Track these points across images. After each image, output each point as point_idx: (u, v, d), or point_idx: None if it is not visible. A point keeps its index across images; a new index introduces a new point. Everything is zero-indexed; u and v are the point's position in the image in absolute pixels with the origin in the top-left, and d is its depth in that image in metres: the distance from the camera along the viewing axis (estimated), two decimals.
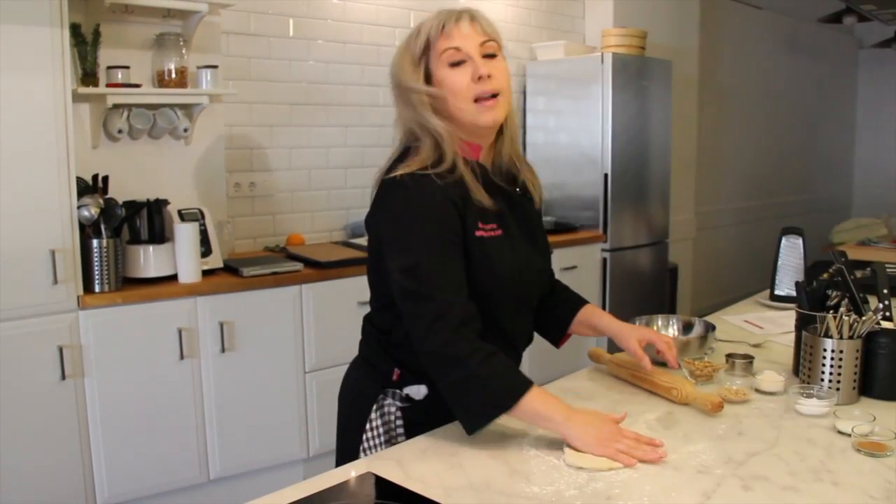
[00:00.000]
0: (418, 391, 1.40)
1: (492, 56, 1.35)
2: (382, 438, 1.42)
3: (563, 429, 1.24)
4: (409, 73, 1.34)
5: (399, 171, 1.32)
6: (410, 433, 1.39)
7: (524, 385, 1.25)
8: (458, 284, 1.29)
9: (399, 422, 1.41)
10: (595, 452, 1.21)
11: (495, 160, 1.44)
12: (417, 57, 1.34)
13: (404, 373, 1.40)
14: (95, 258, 2.44)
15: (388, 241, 1.34)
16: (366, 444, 1.42)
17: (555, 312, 1.60)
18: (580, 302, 1.61)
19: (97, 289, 2.45)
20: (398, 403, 1.41)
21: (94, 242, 2.44)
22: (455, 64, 1.33)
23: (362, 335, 1.52)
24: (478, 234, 1.34)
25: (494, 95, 1.34)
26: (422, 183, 1.31)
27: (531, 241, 1.46)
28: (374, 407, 1.42)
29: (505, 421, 1.38)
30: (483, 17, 1.37)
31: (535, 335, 1.59)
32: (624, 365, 1.55)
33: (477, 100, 1.33)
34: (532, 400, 1.24)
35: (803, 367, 1.54)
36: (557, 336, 1.61)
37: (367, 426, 1.42)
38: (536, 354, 1.58)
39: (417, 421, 1.39)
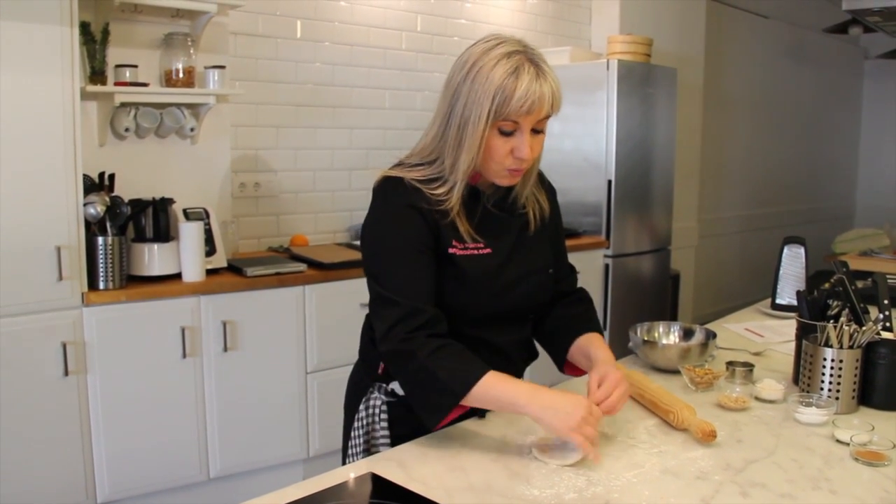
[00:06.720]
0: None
1: (540, 131, 1.33)
2: (364, 430, 1.44)
3: (528, 411, 1.22)
4: (483, 115, 1.26)
5: (384, 173, 1.37)
6: (393, 430, 1.41)
7: (478, 371, 1.25)
8: (423, 290, 1.32)
9: (383, 415, 1.42)
10: (564, 437, 1.21)
11: (500, 188, 1.42)
12: (494, 110, 1.25)
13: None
14: (100, 256, 2.45)
15: (363, 245, 1.40)
16: (353, 434, 1.45)
17: (554, 340, 1.54)
18: (580, 332, 1.50)
19: (101, 286, 2.46)
20: (383, 398, 1.43)
21: (100, 240, 2.46)
22: (505, 133, 1.29)
23: (362, 330, 1.54)
24: (451, 251, 1.35)
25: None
26: (395, 193, 1.34)
27: (528, 263, 1.45)
28: (363, 398, 1.45)
29: (505, 425, 1.39)
30: (559, 97, 1.29)
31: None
32: (633, 383, 1.56)
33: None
34: (488, 386, 1.24)
35: (803, 376, 1.55)
36: (560, 364, 1.56)
37: (356, 418, 1.45)
38: (538, 360, 1.58)
39: (401, 417, 1.40)
